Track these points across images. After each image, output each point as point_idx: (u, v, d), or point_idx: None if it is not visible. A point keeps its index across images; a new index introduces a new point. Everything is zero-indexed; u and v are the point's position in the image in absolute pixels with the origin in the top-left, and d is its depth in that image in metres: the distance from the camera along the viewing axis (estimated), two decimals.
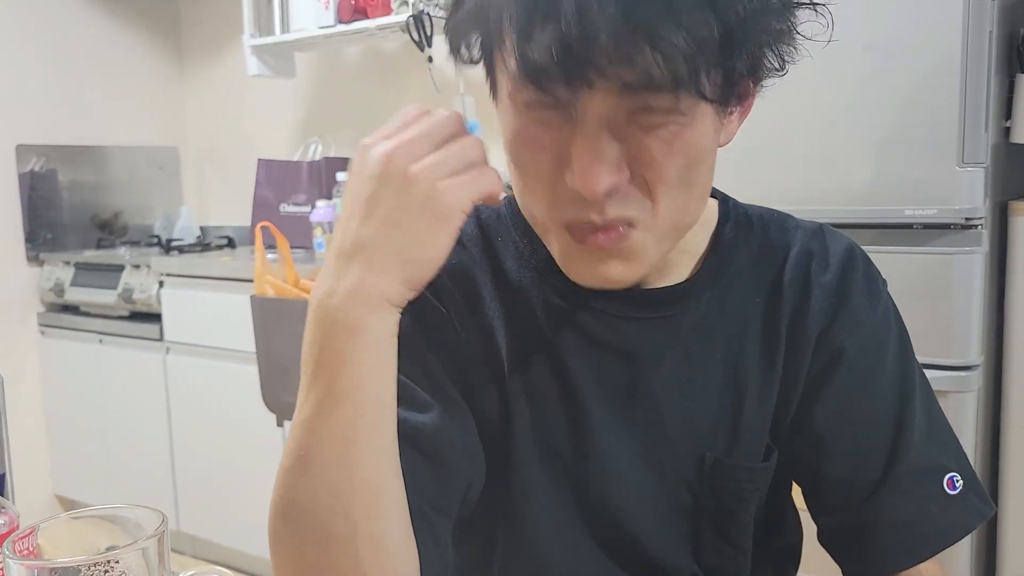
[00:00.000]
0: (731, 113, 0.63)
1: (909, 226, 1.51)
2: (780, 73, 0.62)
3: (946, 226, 1.49)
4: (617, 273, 0.62)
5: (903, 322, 0.73)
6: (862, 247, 0.74)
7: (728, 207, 0.74)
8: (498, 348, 0.69)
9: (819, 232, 0.73)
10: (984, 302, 1.51)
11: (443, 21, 0.64)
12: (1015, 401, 1.59)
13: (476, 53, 0.62)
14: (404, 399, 0.63)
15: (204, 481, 2.67)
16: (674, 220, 0.61)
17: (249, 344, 2.24)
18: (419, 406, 0.64)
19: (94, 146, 3.16)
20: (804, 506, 0.75)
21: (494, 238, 0.73)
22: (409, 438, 0.62)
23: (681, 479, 0.70)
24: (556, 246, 0.64)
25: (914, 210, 1.50)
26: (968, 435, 1.51)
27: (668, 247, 0.64)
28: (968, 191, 1.46)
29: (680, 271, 0.71)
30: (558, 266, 0.67)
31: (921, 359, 1.51)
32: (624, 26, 0.51)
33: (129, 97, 3.25)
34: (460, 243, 0.71)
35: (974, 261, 1.48)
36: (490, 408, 0.69)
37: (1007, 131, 1.61)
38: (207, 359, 2.59)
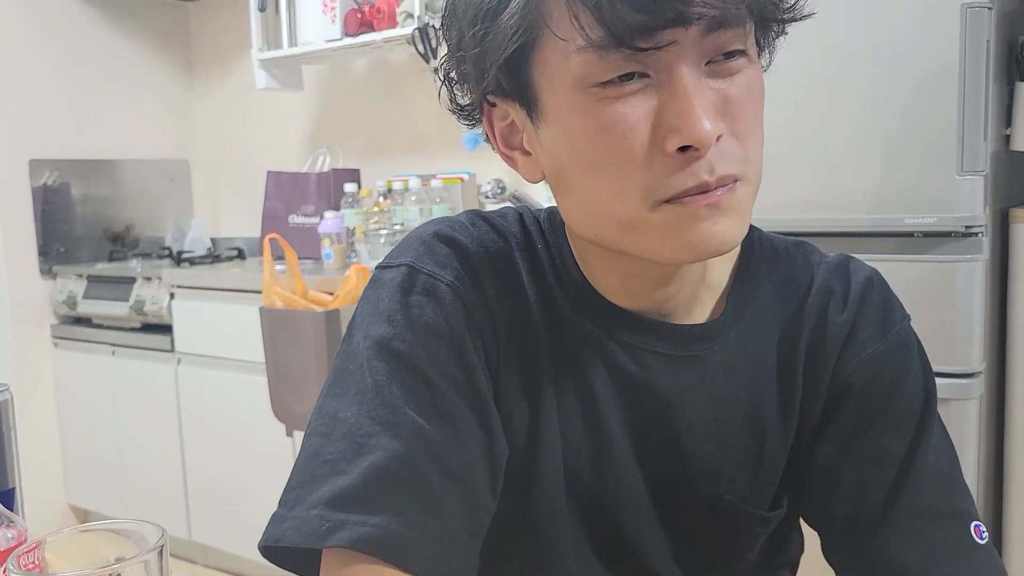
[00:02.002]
0: None
1: (910, 234, 1.52)
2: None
3: (947, 234, 1.50)
4: (732, 230, 0.59)
5: (926, 359, 0.71)
6: (874, 266, 0.73)
7: (753, 238, 0.72)
8: (536, 360, 0.68)
9: (842, 266, 0.71)
10: (985, 309, 1.52)
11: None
12: (1018, 407, 1.59)
13: (503, 81, 0.61)
14: (436, 410, 0.63)
15: (215, 491, 2.69)
16: (759, 171, 0.61)
17: (259, 355, 2.26)
18: (450, 420, 0.64)
19: (106, 160, 3.20)
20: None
21: (537, 244, 0.70)
22: (439, 460, 0.62)
23: (696, 517, 0.69)
24: (658, 228, 0.59)
25: (914, 218, 1.50)
26: (970, 442, 1.51)
27: (754, 203, 0.62)
28: (968, 199, 1.47)
29: (704, 306, 0.69)
30: (591, 292, 0.67)
31: None
32: None
33: (140, 111, 3.29)
34: (506, 239, 0.70)
35: (975, 269, 1.49)
36: (519, 420, 0.68)
37: (1007, 139, 1.61)
38: (218, 370, 2.61)
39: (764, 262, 0.71)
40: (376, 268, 0.70)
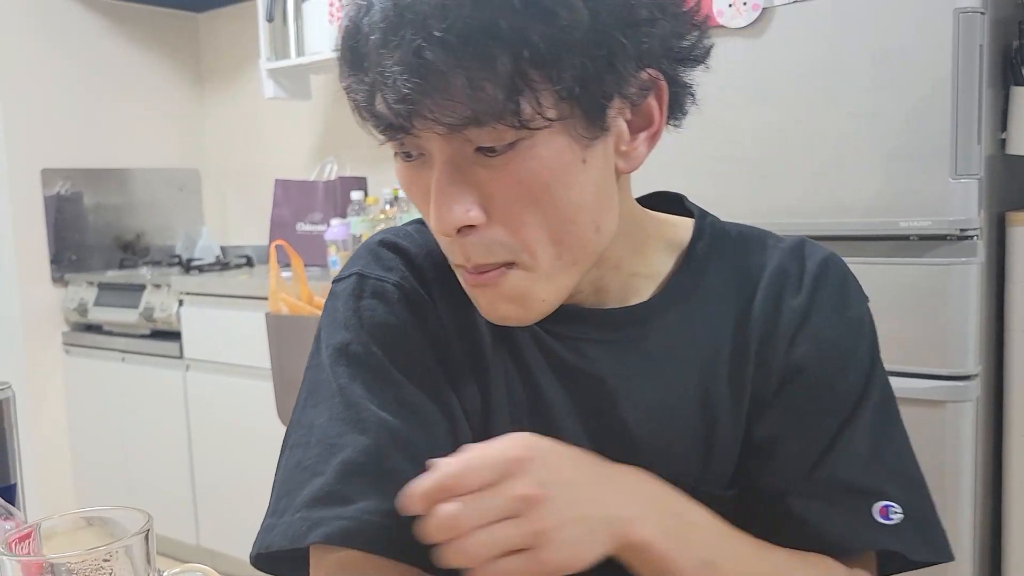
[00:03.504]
0: (632, 140, 0.63)
1: (905, 238, 1.53)
2: (635, 90, 0.61)
3: (942, 237, 1.50)
4: (511, 313, 0.63)
5: (876, 344, 0.72)
6: (844, 258, 0.73)
7: (704, 224, 0.73)
8: (484, 353, 0.70)
9: (798, 248, 0.72)
10: (981, 312, 1.53)
11: None
12: (1016, 409, 1.60)
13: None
14: (399, 403, 0.65)
15: (223, 496, 2.71)
16: (554, 256, 0.61)
17: (267, 361, 2.29)
18: (413, 411, 0.66)
19: (117, 169, 3.24)
20: None
21: None
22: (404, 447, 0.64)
23: None
24: (463, 287, 0.66)
25: (909, 222, 1.51)
26: (967, 444, 1.51)
27: (567, 283, 0.64)
28: (962, 203, 1.48)
29: (642, 294, 0.71)
30: None
31: (918, 369, 1.54)
32: (415, 72, 0.54)
33: (151, 121, 3.33)
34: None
35: (969, 271, 1.49)
36: (472, 409, 0.70)
37: (1003, 143, 1.62)
38: (226, 376, 2.64)
39: (714, 248, 0.72)
40: (332, 282, 0.75)
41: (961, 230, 1.49)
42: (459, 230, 0.60)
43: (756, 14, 1.62)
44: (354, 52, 0.59)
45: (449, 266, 0.70)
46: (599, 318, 0.70)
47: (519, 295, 0.62)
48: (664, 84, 0.62)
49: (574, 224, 0.61)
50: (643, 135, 0.64)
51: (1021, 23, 1.62)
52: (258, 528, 0.67)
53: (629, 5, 0.58)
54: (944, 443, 1.51)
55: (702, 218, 0.74)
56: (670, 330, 0.69)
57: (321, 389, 0.68)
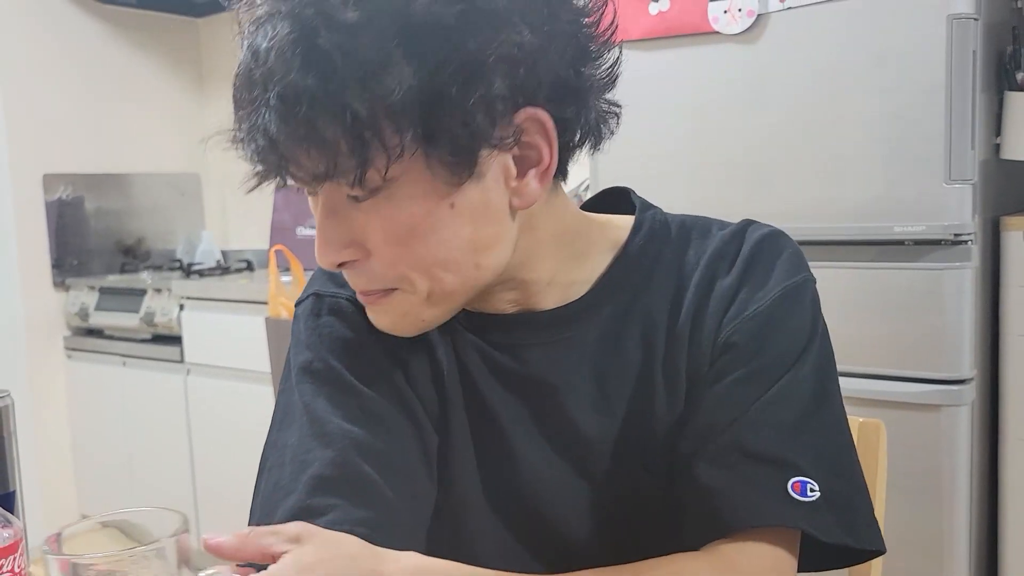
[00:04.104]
0: (522, 176, 0.63)
1: (900, 242, 1.54)
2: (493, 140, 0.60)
3: (936, 242, 1.51)
4: (396, 327, 0.68)
5: (818, 319, 0.70)
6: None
7: (644, 218, 0.74)
8: (439, 361, 0.72)
9: (740, 232, 0.72)
10: (976, 316, 1.53)
11: None
12: (1011, 413, 1.60)
13: None
14: (363, 412, 0.67)
15: (224, 499, 2.72)
16: (431, 288, 0.64)
17: (268, 365, 2.30)
18: (380, 421, 0.68)
19: (118, 174, 3.25)
20: None
21: None
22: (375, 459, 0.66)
23: (616, 494, 0.70)
24: None
25: (904, 227, 1.52)
26: (963, 448, 1.52)
27: (449, 307, 0.67)
28: (956, 207, 1.49)
29: (576, 291, 0.71)
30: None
31: (914, 373, 1.55)
32: (265, 132, 0.58)
33: (152, 126, 3.34)
34: None
35: (964, 276, 1.50)
36: (431, 414, 0.72)
37: (998, 148, 1.63)
38: (227, 380, 2.65)
39: (652, 240, 0.72)
40: (295, 305, 0.78)
41: (956, 235, 1.50)
42: (339, 264, 0.64)
43: (751, 20, 1.63)
44: (235, 93, 0.62)
45: None
46: (535, 321, 0.71)
47: (402, 313, 0.66)
48: (548, 120, 0.62)
49: (447, 263, 0.63)
50: (532, 172, 0.63)
51: (1015, 28, 1.63)
52: None
53: (478, 58, 0.57)
54: (940, 447, 1.52)
55: (642, 211, 0.74)
56: (604, 324, 0.70)
57: (292, 410, 0.71)
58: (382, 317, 0.68)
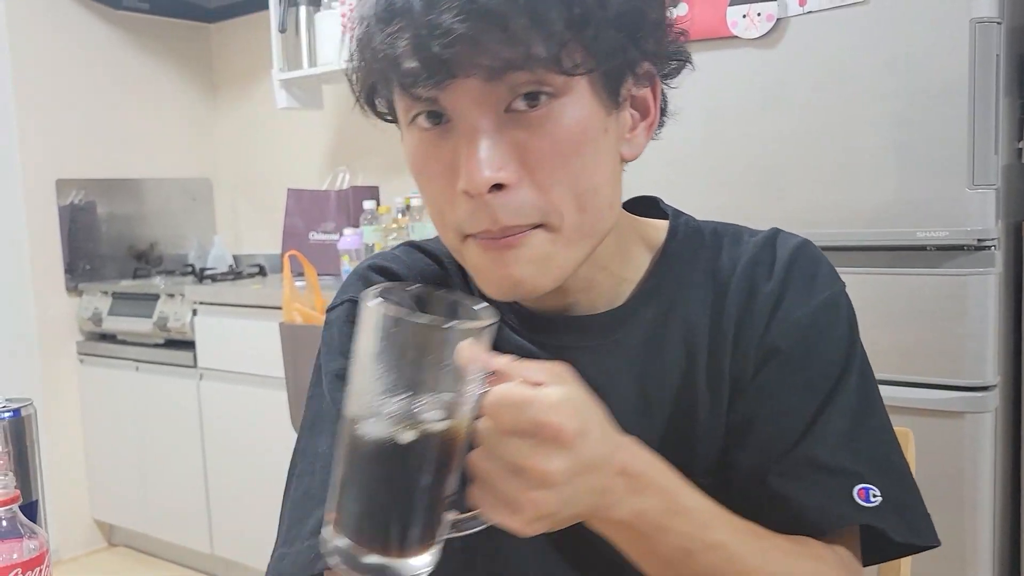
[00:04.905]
0: (634, 128, 0.66)
1: (922, 248, 1.52)
2: (669, 74, 0.67)
3: (959, 247, 1.50)
4: (528, 276, 0.62)
5: (856, 329, 0.72)
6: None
7: (678, 223, 0.75)
8: None
9: (771, 239, 0.73)
10: (999, 322, 1.52)
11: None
12: None
13: (382, 104, 0.67)
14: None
15: (237, 505, 2.72)
16: (578, 223, 0.62)
17: (280, 370, 2.29)
18: None
19: (131, 179, 3.26)
20: None
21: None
22: None
23: None
24: (469, 262, 0.65)
25: (926, 232, 1.51)
26: (986, 456, 1.51)
27: (580, 254, 0.64)
28: (979, 212, 1.47)
29: (620, 296, 0.72)
30: (509, 303, 0.70)
31: (937, 380, 1.53)
32: (470, 13, 0.55)
33: (164, 131, 3.35)
34: (439, 261, 0.76)
35: (988, 282, 1.49)
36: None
37: (1020, 152, 1.62)
38: (240, 385, 2.65)
39: (688, 245, 0.74)
40: (326, 312, 0.76)
41: (978, 240, 1.48)
42: (489, 190, 0.59)
43: (770, 25, 1.62)
44: (389, 6, 0.59)
45: (436, 284, 0.72)
46: (580, 325, 0.71)
47: (541, 257, 0.62)
48: (658, 79, 0.67)
49: (596, 193, 0.63)
50: (642, 125, 0.67)
51: None
52: (272, 537, 0.67)
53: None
54: (963, 454, 1.50)
55: (676, 218, 0.76)
56: (648, 328, 0.71)
57: (323, 416, 0.70)
58: (516, 267, 0.62)
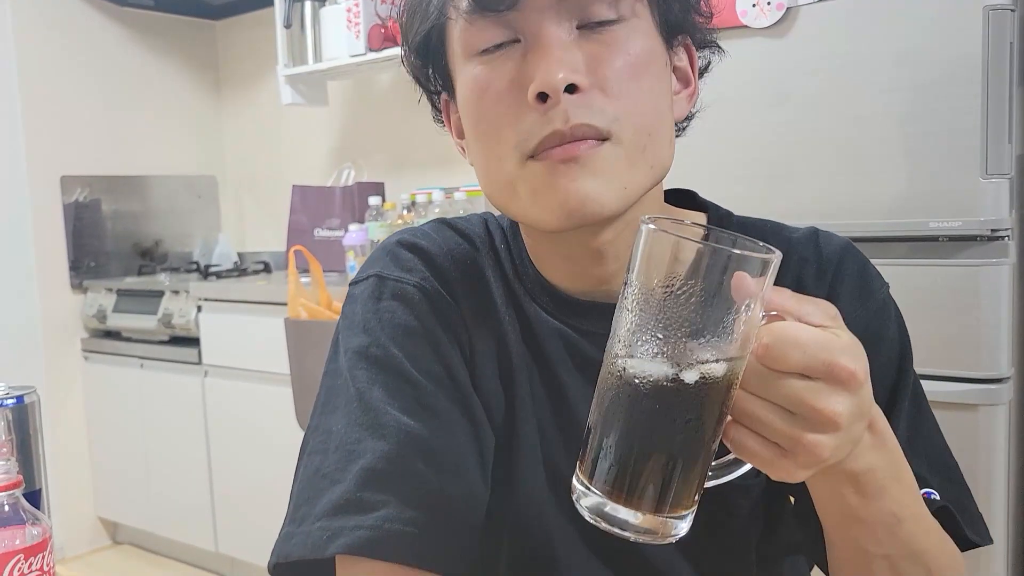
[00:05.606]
0: (678, 92, 0.68)
1: (935, 238, 1.51)
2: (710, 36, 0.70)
3: (972, 238, 1.48)
4: (596, 191, 0.60)
5: (905, 329, 0.72)
6: (873, 259, 0.73)
7: (720, 216, 0.75)
8: (508, 352, 0.69)
9: (812, 237, 0.73)
10: (1013, 313, 1.50)
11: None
12: None
13: (431, 68, 0.68)
14: (420, 407, 0.64)
15: (242, 502, 2.71)
16: (640, 145, 0.62)
17: (285, 366, 2.28)
18: (435, 415, 0.65)
19: (136, 176, 3.25)
20: None
21: (499, 244, 0.74)
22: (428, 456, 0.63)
23: None
24: (529, 187, 0.62)
25: (939, 222, 1.49)
26: (1000, 447, 1.49)
27: (642, 179, 0.63)
28: (993, 202, 1.45)
29: None
30: (545, 284, 0.69)
31: (950, 372, 1.51)
32: None
33: (169, 128, 3.34)
34: (470, 240, 0.73)
35: (1001, 272, 1.47)
36: (497, 410, 0.69)
37: None
38: (244, 381, 2.64)
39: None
40: (349, 285, 0.73)
41: (992, 230, 1.46)
42: (567, 88, 0.59)
43: (780, 14, 1.60)
44: None
45: (470, 265, 0.70)
46: None
47: (606, 170, 0.61)
48: (695, 52, 0.70)
49: (660, 119, 0.64)
50: (684, 92, 0.69)
51: None
52: (276, 535, 0.65)
53: None
54: (977, 446, 1.48)
55: (716, 210, 0.76)
56: None
57: (339, 394, 0.67)
58: (582, 181, 0.60)
